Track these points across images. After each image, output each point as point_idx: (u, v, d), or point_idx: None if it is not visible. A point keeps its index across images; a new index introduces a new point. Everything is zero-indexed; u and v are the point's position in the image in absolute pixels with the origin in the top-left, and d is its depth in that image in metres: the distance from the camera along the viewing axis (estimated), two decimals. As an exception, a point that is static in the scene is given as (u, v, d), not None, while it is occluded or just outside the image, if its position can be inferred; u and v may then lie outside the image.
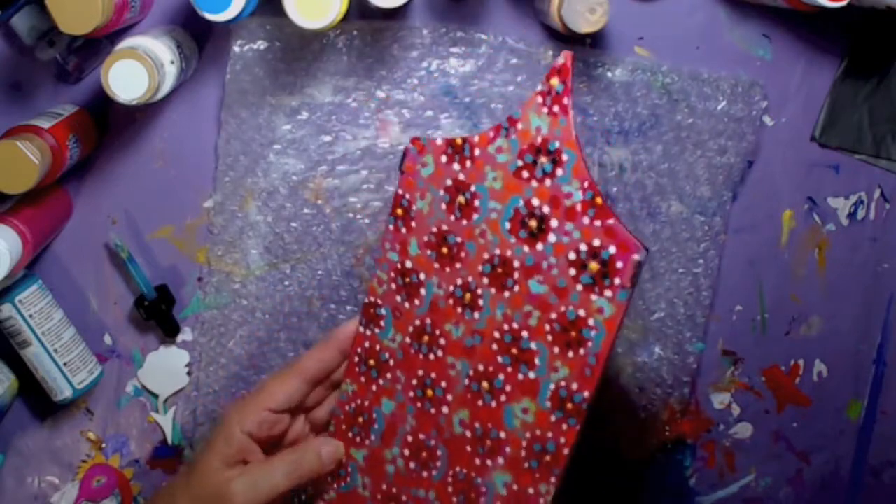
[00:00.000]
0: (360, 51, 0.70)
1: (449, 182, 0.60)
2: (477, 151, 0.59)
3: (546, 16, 0.66)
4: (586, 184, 0.56)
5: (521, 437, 0.59)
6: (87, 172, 0.72)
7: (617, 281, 0.55)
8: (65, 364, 0.70)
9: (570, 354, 0.57)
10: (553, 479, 0.58)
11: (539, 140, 0.57)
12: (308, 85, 0.70)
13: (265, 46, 0.69)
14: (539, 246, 0.57)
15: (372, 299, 0.64)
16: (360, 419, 0.65)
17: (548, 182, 0.57)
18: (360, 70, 0.70)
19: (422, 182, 0.61)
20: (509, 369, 0.59)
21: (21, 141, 0.60)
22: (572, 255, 0.56)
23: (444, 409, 0.61)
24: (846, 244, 0.76)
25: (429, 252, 0.62)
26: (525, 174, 0.58)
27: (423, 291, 0.62)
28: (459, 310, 0.61)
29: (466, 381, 0.61)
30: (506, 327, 0.59)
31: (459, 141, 0.60)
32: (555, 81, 0.56)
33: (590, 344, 0.56)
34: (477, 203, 0.59)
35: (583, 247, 0.56)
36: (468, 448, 0.61)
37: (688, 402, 0.77)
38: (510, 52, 0.70)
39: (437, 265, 0.61)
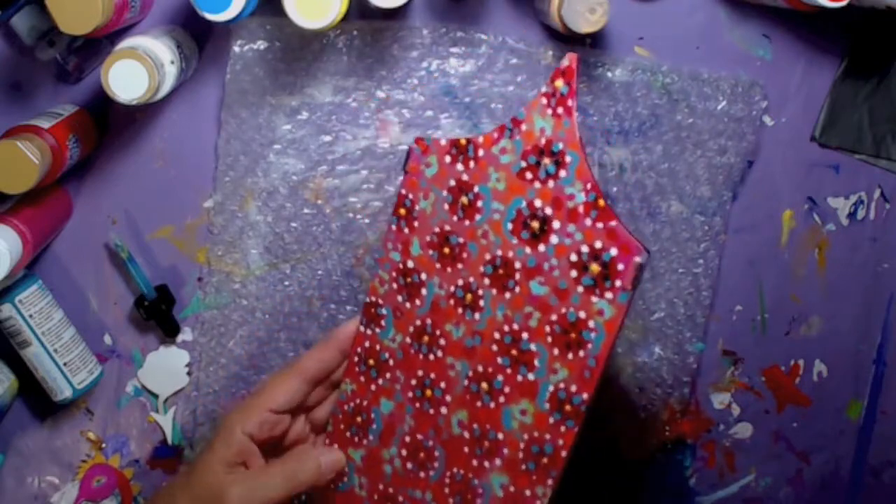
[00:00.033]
0: (360, 51, 0.70)
1: (452, 182, 0.60)
2: (481, 152, 0.59)
3: (546, 16, 0.66)
4: (589, 185, 0.56)
5: (519, 439, 0.59)
6: (87, 172, 0.72)
7: (618, 283, 0.55)
8: (65, 364, 0.70)
9: (570, 356, 0.57)
10: (550, 482, 0.58)
11: (543, 141, 0.57)
12: (308, 85, 0.70)
13: (265, 46, 0.69)
14: (541, 247, 0.57)
15: (373, 299, 0.64)
16: (359, 419, 0.65)
17: (551, 183, 0.57)
18: (360, 70, 0.70)
19: (425, 182, 0.61)
20: (509, 370, 0.59)
21: (21, 141, 0.60)
22: (574, 257, 0.56)
23: (443, 410, 0.61)
24: (846, 244, 0.76)
25: (431, 252, 0.62)
26: (528, 175, 0.58)
27: (424, 291, 0.62)
28: (460, 310, 0.61)
29: (466, 382, 0.61)
30: (506, 328, 0.59)
31: (463, 141, 0.60)
32: (559, 83, 0.57)
33: (589, 346, 0.56)
34: (480, 204, 0.59)
35: (584, 248, 0.56)
36: (466, 449, 0.61)
37: (688, 402, 0.77)
38: (510, 52, 0.70)
39: (438, 265, 0.61)
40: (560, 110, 0.56)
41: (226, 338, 0.74)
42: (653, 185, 0.72)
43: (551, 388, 0.57)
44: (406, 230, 0.62)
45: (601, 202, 0.55)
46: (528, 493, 0.59)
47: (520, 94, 0.70)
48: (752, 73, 0.72)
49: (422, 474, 0.62)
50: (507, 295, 0.59)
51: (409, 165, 0.62)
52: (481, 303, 0.60)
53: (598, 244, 0.55)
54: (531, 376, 0.58)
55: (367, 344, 0.64)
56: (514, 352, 0.59)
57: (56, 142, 0.64)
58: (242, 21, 0.65)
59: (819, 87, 0.73)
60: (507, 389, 0.59)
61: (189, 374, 0.76)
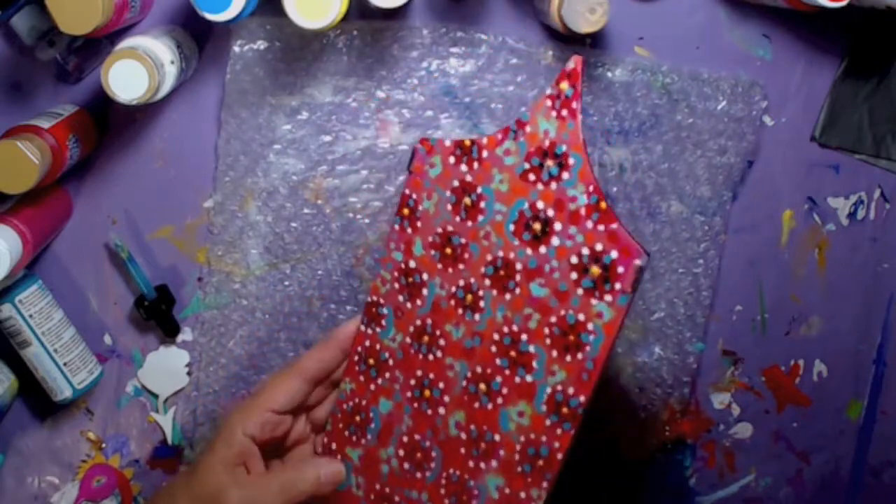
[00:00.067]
0: (360, 51, 0.70)
1: (456, 183, 0.61)
2: (485, 153, 0.59)
3: (546, 16, 0.66)
4: (591, 188, 0.56)
5: (516, 441, 0.59)
6: (87, 172, 0.72)
7: (618, 286, 0.55)
8: (65, 364, 0.70)
9: (568, 358, 0.57)
10: (545, 485, 0.58)
11: (547, 143, 0.57)
12: (308, 85, 0.70)
13: (265, 46, 0.69)
14: (542, 249, 0.57)
15: (374, 298, 0.64)
16: (357, 418, 0.65)
17: (553, 185, 0.57)
18: (360, 70, 0.70)
19: (429, 183, 0.62)
20: (507, 372, 0.59)
21: (21, 141, 0.60)
22: (574, 259, 0.56)
23: (441, 411, 0.61)
24: (846, 244, 0.76)
25: (433, 252, 0.62)
26: (531, 177, 0.58)
27: (425, 292, 0.62)
28: (460, 311, 0.61)
29: (464, 383, 0.61)
30: (505, 329, 0.59)
31: (468, 142, 0.60)
32: (564, 85, 0.57)
33: (588, 348, 0.56)
34: (483, 205, 0.59)
35: (585, 251, 0.56)
36: (462, 450, 0.61)
37: (688, 402, 0.77)
38: (510, 52, 0.70)
39: (440, 266, 0.61)
40: (564, 112, 0.57)
41: (226, 338, 0.74)
42: (653, 185, 0.72)
43: (549, 391, 0.57)
44: (409, 230, 0.62)
45: (603, 204, 0.55)
46: (522, 494, 0.59)
47: (520, 94, 0.70)
48: (752, 73, 0.72)
49: (418, 475, 0.62)
50: (508, 296, 0.59)
51: (413, 166, 0.62)
52: (482, 304, 0.60)
53: (599, 246, 0.55)
54: (529, 378, 0.58)
55: (367, 343, 0.64)
56: (512, 353, 0.59)
57: (56, 142, 0.63)
58: (242, 21, 0.65)
59: (819, 87, 0.73)
60: (504, 391, 0.59)
61: (189, 374, 0.76)
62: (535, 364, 0.58)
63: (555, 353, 0.57)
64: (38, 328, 0.69)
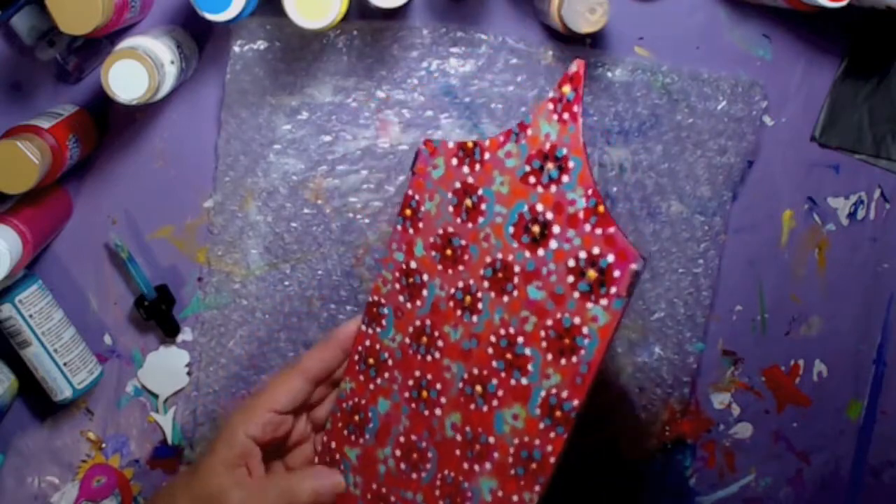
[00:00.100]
0: (360, 51, 0.70)
1: (458, 185, 0.61)
2: (487, 155, 0.59)
3: (546, 16, 0.66)
4: (590, 191, 0.56)
5: (510, 444, 0.59)
6: (87, 172, 0.72)
7: (613, 290, 0.55)
8: (65, 364, 0.70)
9: (563, 362, 0.56)
10: (538, 488, 0.58)
11: (547, 146, 0.57)
12: (308, 85, 0.70)
13: (265, 46, 0.69)
14: (540, 252, 0.57)
15: (375, 298, 0.64)
16: (356, 417, 0.65)
17: (553, 188, 0.57)
18: (360, 70, 0.70)
19: (431, 184, 0.62)
20: (503, 374, 0.59)
21: (21, 141, 0.60)
22: (572, 263, 0.56)
23: (437, 412, 0.61)
24: (846, 244, 0.76)
25: (433, 253, 0.62)
26: (532, 180, 0.58)
27: (425, 292, 0.62)
28: (459, 312, 0.61)
29: (461, 385, 0.60)
30: (502, 332, 0.59)
31: (470, 144, 0.60)
32: (566, 89, 0.57)
33: (582, 352, 0.56)
34: (483, 207, 0.59)
35: (582, 254, 0.56)
36: (457, 452, 0.61)
37: (688, 402, 0.77)
38: (510, 52, 0.70)
39: (440, 267, 0.61)
40: (566, 116, 0.57)
41: (226, 338, 0.74)
42: (653, 185, 0.72)
43: (543, 394, 0.57)
44: (411, 231, 0.63)
45: (601, 208, 0.55)
46: (515, 498, 0.59)
47: (520, 94, 0.70)
48: (752, 73, 0.72)
49: (414, 475, 0.62)
50: (505, 298, 0.59)
51: (416, 167, 0.62)
52: (480, 305, 0.60)
53: (596, 250, 0.55)
54: (524, 381, 0.58)
55: (367, 343, 0.64)
56: (508, 356, 0.59)
57: (56, 142, 0.63)
58: (242, 21, 0.65)
59: (819, 87, 0.73)
60: (500, 393, 0.59)
61: (189, 374, 0.76)
62: (530, 367, 0.58)
63: (550, 357, 0.57)
64: (38, 328, 0.69)
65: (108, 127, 0.71)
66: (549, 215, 0.57)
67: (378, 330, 0.64)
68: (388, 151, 0.71)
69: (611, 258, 0.55)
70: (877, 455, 0.81)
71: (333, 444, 0.66)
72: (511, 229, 0.58)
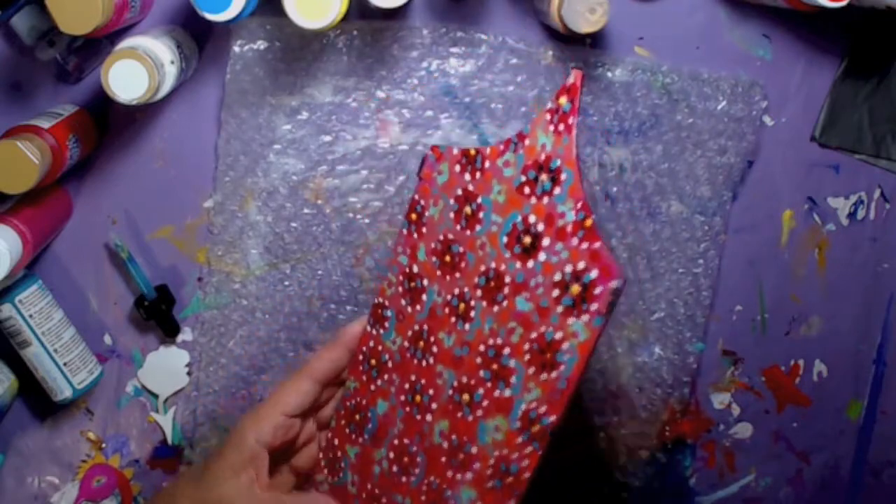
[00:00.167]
0: (360, 51, 0.70)
1: (459, 192, 0.61)
2: (487, 164, 0.59)
3: (546, 16, 0.66)
4: (580, 204, 0.55)
5: (490, 455, 0.58)
6: (87, 172, 0.72)
7: (594, 306, 0.54)
8: (65, 364, 0.70)
9: (544, 376, 0.56)
10: (512, 502, 0.57)
11: (543, 157, 0.57)
12: (308, 85, 0.70)
13: (265, 46, 0.69)
14: (530, 263, 0.57)
15: (380, 300, 0.64)
16: (357, 417, 0.65)
17: (545, 200, 0.56)
18: (360, 70, 0.70)
19: (436, 189, 0.62)
20: (489, 384, 0.58)
21: (21, 141, 0.60)
22: (558, 276, 0.56)
23: (428, 417, 0.61)
24: (846, 244, 0.76)
25: (434, 259, 0.62)
26: (527, 190, 0.57)
27: (424, 297, 0.62)
28: (453, 319, 0.60)
29: (450, 392, 0.60)
30: (490, 342, 0.58)
31: (473, 152, 0.60)
32: (563, 100, 0.56)
33: (562, 367, 0.55)
34: (481, 215, 0.59)
35: (568, 268, 0.55)
36: (443, 459, 0.60)
37: (688, 402, 0.77)
38: (510, 52, 0.70)
39: (439, 273, 0.61)
40: (561, 127, 0.56)
41: (226, 338, 0.74)
42: (653, 185, 0.72)
43: (524, 407, 0.57)
44: (415, 235, 0.63)
45: (588, 222, 0.54)
46: None
47: (520, 94, 0.70)
48: (752, 73, 0.72)
49: (404, 479, 0.62)
50: (496, 308, 0.58)
51: (423, 172, 0.63)
52: (472, 314, 0.59)
53: (582, 265, 0.55)
54: (507, 393, 0.57)
55: (371, 344, 0.64)
56: (494, 366, 0.58)
57: (56, 142, 0.63)
58: (242, 21, 0.65)
59: (819, 87, 0.73)
60: (485, 403, 0.58)
61: (189, 374, 0.76)
62: (513, 379, 0.57)
63: (532, 370, 0.56)
64: (38, 328, 0.69)
65: (108, 127, 0.71)
66: (541, 227, 0.56)
67: (381, 332, 0.64)
68: (388, 151, 0.71)
69: (594, 274, 0.54)
70: (877, 455, 0.81)
71: (336, 442, 0.66)
72: (505, 239, 0.58)
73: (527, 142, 0.58)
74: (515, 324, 0.57)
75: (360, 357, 0.65)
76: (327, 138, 0.71)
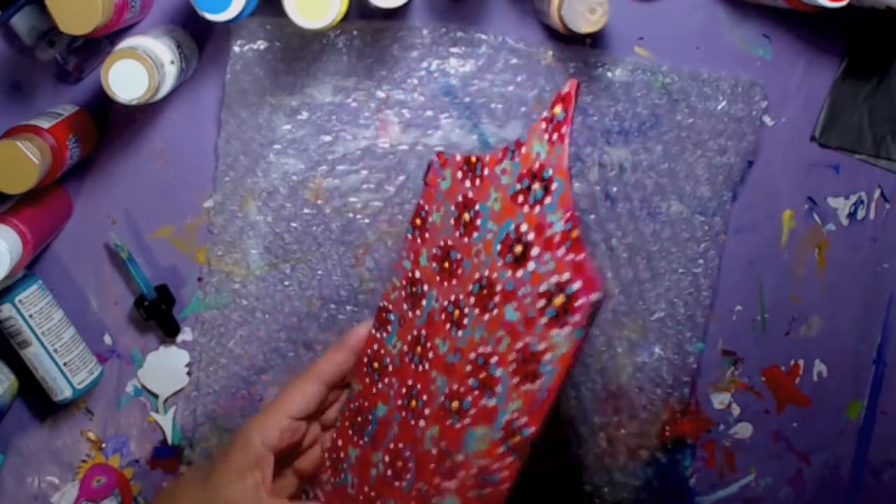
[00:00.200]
0: (360, 51, 0.70)
1: (460, 198, 0.61)
2: (486, 171, 0.59)
3: (546, 16, 0.66)
4: (569, 214, 0.55)
5: (474, 464, 0.58)
6: (87, 172, 0.72)
7: (576, 318, 0.54)
8: (65, 364, 0.70)
9: (526, 387, 0.56)
10: None
11: (537, 166, 0.57)
12: (308, 85, 0.70)
13: (265, 46, 0.69)
14: (519, 272, 0.57)
15: (385, 304, 0.64)
16: (359, 419, 0.65)
17: (537, 209, 0.56)
18: (360, 70, 0.70)
19: (440, 195, 0.62)
20: (476, 392, 0.58)
21: (21, 141, 0.60)
22: (544, 287, 0.55)
23: (421, 423, 0.61)
24: (846, 244, 0.76)
25: (434, 265, 0.62)
26: (520, 199, 0.57)
27: (424, 303, 0.62)
28: (448, 326, 0.60)
29: (442, 398, 0.60)
30: (481, 350, 0.58)
31: (473, 159, 0.60)
32: (557, 109, 0.56)
33: (543, 379, 0.55)
34: (478, 222, 0.59)
35: (554, 279, 0.55)
36: (432, 465, 0.60)
37: (688, 402, 0.77)
38: (510, 52, 0.70)
39: (438, 278, 0.61)
40: (555, 136, 0.56)
41: (226, 338, 0.74)
42: (653, 185, 0.72)
43: (507, 417, 0.57)
44: (419, 240, 0.63)
45: (575, 233, 0.54)
46: None
47: (520, 94, 0.70)
48: (752, 73, 0.72)
49: (396, 483, 0.62)
50: (486, 316, 0.58)
51: (428, 177, 0.63)
52: (465, 321, 0.59)
53: (566, 276, 0.54)
54: (493, 402, 0.57)
55: (375, 347, 0.64)
56: (482, 374, 0.58)
57: (56, 142, 0.63)
58: (242, 21, 0.65)
59: (819, 87, 0.73)
60: (472, 411, 0.58)
61: (189, 374, 0.76)
62: (498, 388, 0.57)
63: (516, 380, 0.56)
64: (38, 328, 0.69)
65: (108, 127, 0.71)
66: (531, 236, 0.56)
67: (384, 335, 0.64)
68: (388, 151, 0.71)
69: (577, 285, 0.54)
70: (877, 455, 0.81)
71: (340, 443, 0.66)
72: (498, 247, 0.58)
73: (523, 150, 0.58)
74: (504, 333, 0.57)
75: (365, 360, 0.65)
76: (327, 138, 0.71)
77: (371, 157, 0.71)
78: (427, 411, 0.61)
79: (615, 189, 0.72)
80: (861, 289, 0.78)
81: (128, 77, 0.60)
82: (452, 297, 0.60)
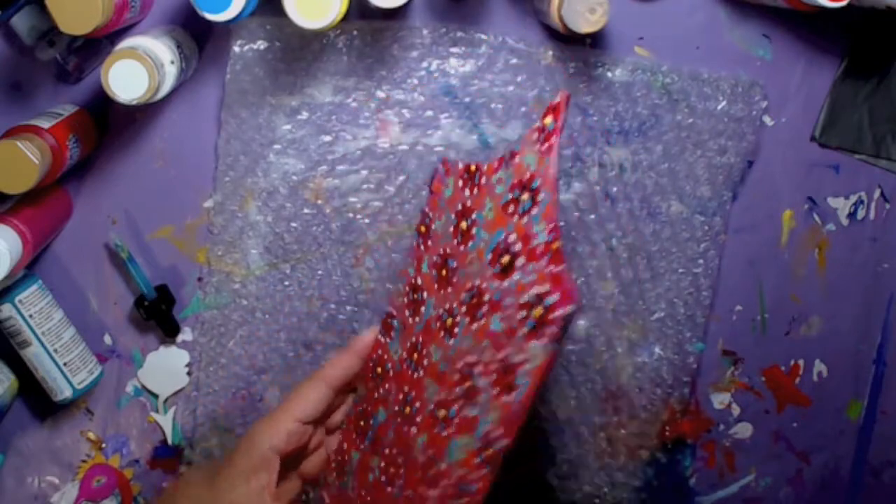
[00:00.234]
0: (360, 51, 0.70)
1: (459, 207, 0.61)
2: (483, 180, 0.59)
3: (546, 16, 0.66)
4: (552, 226, 0.55)
5: (455, 473, 0.58)
6: (87, 172, 0.72)
7: (552, 329, 0.54)
8: (65, 364, 0.70)
9: (504, 398, 0.56)
10: None
11: (527, 176, 0.57)
12: (308, 85, 0.70)
13: (265, 46, 0.69)
14: (505, 283, 0.57)
15: (390, 310, 0.64)
16: (362, 423, 0.65)
17: (524, 219, 0.56)
18: (360, 70, 0.70)
19: (443, 203, 0.62)
20: (461, 402, 0.58)
21: (21, 141, 0.60)
22: (525, 298, 0.55)
23: (413, 430, 0.61)
24: (846, 244, 0.76)
25: (433, 272, 0.62)
26: (511, 209, 0.57)
27: (423, 310, 0.62)
28: (442, 334, 0.60)
29: (431, 406, 0.60)
30: (467, 359, 0.58)
31: (473, 167, 0.60)
32: (548, 120, 0.56)
33: (518, 391, 0.55)
34: (474, 231, 0.59)
35: (535, 290, 0.55)
36: (419, 473, 0.60)
37: (688, 402, 0.77)
38: (510, 52, 0.70)
39: (436, 286, 0.61)
40: (544, 147, 0.56)
41: (226, 338, 0.74)
42: (653, 185, 0.72)
43: (486, 428, 0.56)
44: (422, 248, 0.63)
45: (555, 245, 0.54)
46: None
47: (520, 94, 0.70)
48: (752, 73, 0.72)
49: (388, 489, 0.62)
50: (475, 326, 0.58)
51: (433, 185, 0.63)
52: (456, 330, 0.59)
53: (545, 287, 0.54)
54: (475, 412, 0.57)
55: (379, 352, 0.65)
56: (467, 384, 0.58)
57: (56, 142, 0.64)
58: (242, 21, 0.65)
59: (819, 87, 0.73)
60: (457, 421, 0.58)
61: (189, 374, 0.76)
62: (480, 398, 0.57)
63: (496, 391, 0.56)
64: (38, 328, 0.69)
65: (108, 127, 0.71)
66: (518, 246, 0.56)
67: (388, 341, 0.64)
68: (388, 151, 0.71)
69: (555, 297, 0.54)
70: (877, 455, 0.81)
71: (345, 445, 0.66)
72: (489, 256, 0.58)
73: (516, 160, 0.58)
74: (488, 343, 0.57)
75: (370, 364, 0.65)
76: (327, 138, 0.71)
77: (371, 157, 0.71)
78: (419, 419, 0.61)
79: (615, 189, 0.72)
80: (861, 289, 0.78)
81: (128, 77, 0.60)
82: (447, 306, 0.60)
